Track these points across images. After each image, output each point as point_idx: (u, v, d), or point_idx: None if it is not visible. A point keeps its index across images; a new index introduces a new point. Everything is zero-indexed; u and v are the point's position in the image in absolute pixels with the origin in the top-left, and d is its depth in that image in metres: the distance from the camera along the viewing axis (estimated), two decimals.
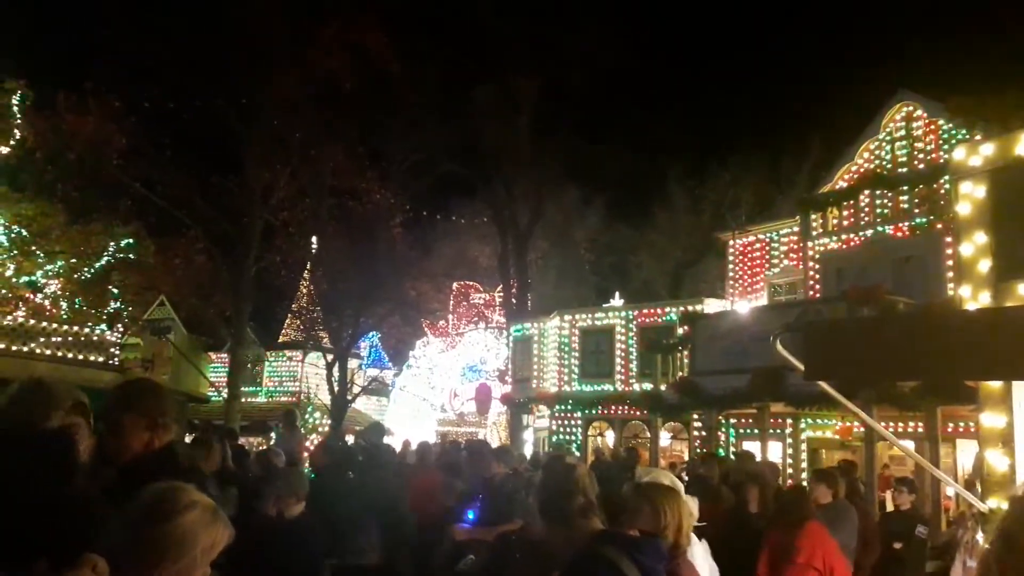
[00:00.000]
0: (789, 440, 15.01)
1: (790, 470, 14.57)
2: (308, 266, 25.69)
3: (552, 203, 28.32)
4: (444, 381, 29.30)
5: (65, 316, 20.15)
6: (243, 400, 23.48)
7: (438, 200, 29.13)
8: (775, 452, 14.24)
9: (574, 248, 31.86)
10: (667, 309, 19.19)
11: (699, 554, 3.82)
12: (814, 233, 17.59)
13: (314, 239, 23.93)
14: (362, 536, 6.10)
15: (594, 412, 19.71)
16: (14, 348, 16.64)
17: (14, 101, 20.42)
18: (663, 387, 15.98)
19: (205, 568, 1.82)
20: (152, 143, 20.20)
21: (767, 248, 20.03)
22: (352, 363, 25.71)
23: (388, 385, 29.90)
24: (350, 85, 20.91)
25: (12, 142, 20.45)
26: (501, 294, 27.92)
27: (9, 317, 17.39)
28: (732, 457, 12.34)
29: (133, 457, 2.75)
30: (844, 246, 16.95)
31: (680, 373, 15.67)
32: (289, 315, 28.09)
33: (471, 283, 30.58)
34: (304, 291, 26.77)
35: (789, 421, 14.84)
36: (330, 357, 23.98)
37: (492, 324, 29.74)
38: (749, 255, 20.39)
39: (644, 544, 2.63)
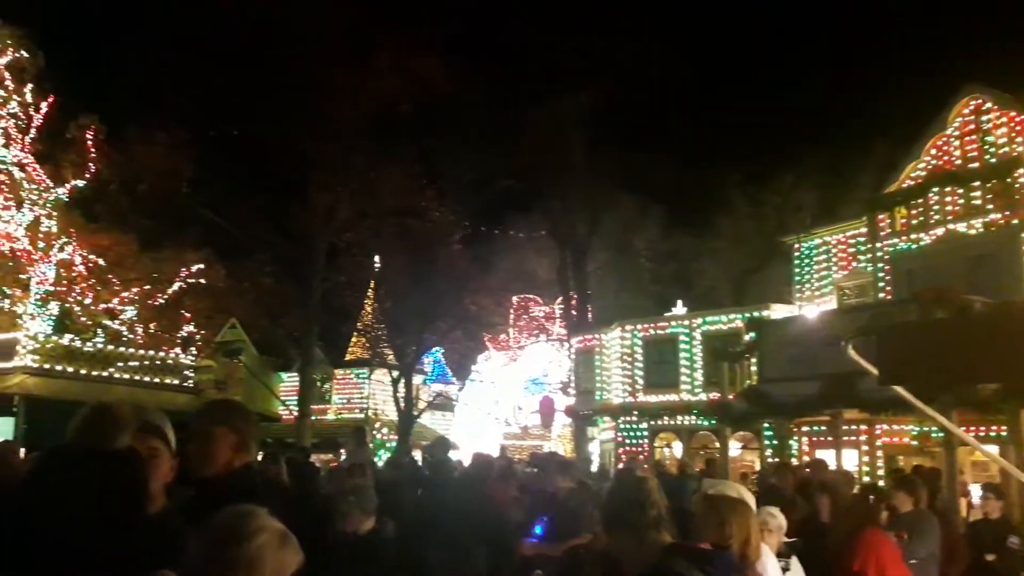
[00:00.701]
0: (864, 447, 14.56)
1: (866, 478, 14.12)
2: (372, 285, 26.10)
3: (609, 213, 28.20)
4: (507, 394, 29.37)
5: (141, 341, 20.91)
6: (313, 418, 23.93)
7: (495, 215, 29.32)
8: (850, 460, 13.83)
9: (633, 257, 31.58)
10: (732, 316, 18.88)
11: (770, 567, 3.73)
12: (882, 234, 17.11)
13: (376, 258, 24.32)
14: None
15: (660, 423, 19.48)
16: (94, 373, 17.34)
17: (88, 136, 21.42)
18: (731, 396, 15.70)
19: None
20: (218, 171, 20.87)
21: (834, 251, 19.55)
22: (417, 379, 25.99)
23: (452, 400, 30.10)
24: (406, 108, 21.26)
25: (87, 175, 21.42)
26: (561, 306, 27.88)
27: (89, 343, 18.14)
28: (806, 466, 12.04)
29: (213, 474, 2.80)
30: (914, 246, 16.44)
31: (748, 381, 15.37)
32: (355, 333, 28.54)
33: (531, 296, 30.64)
34: (368, 309, 27.19)
35: (863, 428, 14.41)
36: (395, 373, 24.29)
37: (553, 336, 29.71)
38: (815, 258, 19.93)
39: (713, 557, 2.59)
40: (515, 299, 30.34)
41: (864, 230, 18.12)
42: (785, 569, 4.08)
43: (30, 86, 21.27)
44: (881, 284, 17.05)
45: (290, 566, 1.91)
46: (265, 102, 20.38)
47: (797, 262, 20.41)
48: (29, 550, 1.73)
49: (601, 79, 23.95)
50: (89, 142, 21.35)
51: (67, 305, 21.75)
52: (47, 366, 16.76)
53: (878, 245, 17.23)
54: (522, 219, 30.37)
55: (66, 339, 17.86)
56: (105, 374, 17.52)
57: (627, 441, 20.00)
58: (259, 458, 9.79)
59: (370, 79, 20.84)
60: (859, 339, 4.60)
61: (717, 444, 17.90)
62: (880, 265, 17.14)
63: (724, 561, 2.59)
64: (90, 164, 21.37)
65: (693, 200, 31.59)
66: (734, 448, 18.29)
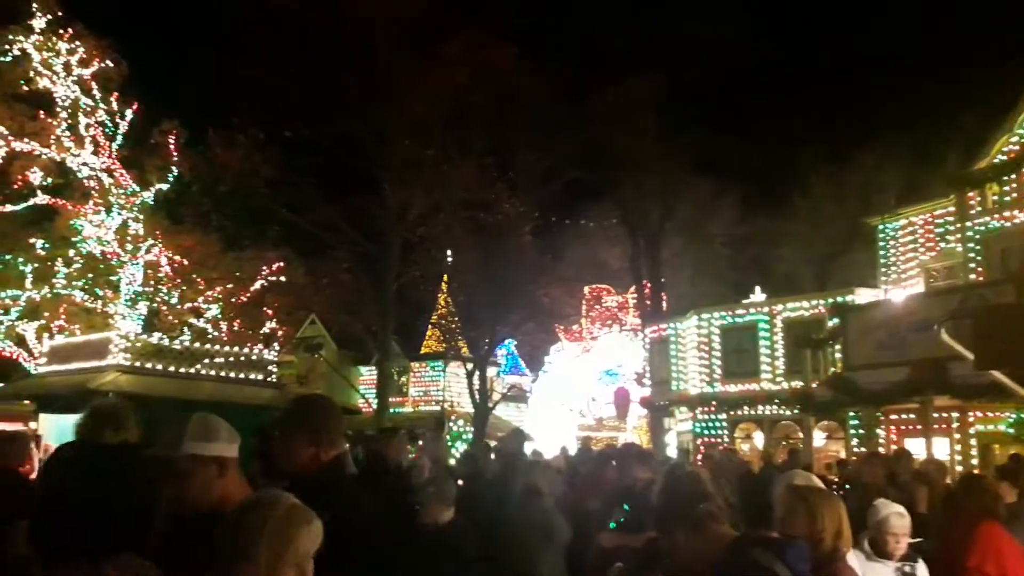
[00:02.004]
0: (956, 436, 13.95)
1: (959, 468, 13.53)
2: (445, 278, 26.34)
3: (683, 199, 27.71)
4: (581, 386, 29.26)
5: (225, 338, 21.65)
6: (391, 410, 24.34)
7: (566, 205, 29.18)
8: (941, 449, 13.28)
9: (709, 243, 30.95)
10: (815, 302, 18.34)
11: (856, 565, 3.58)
12: (972, 212, 16.36)
13: (449, 252, 24.53)
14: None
15: (740, 413, 19.08)
16: (182, 370, 17.98)
17: (170, 140, 22.27)
18: (814, 384, 15.27)
19: (301, 569, 1.98)
20: (295, 171, 21.37)
21: (920, 232, 18.77)
22: (491, 371, 26.13)
23: (526, 391, 30.16)
24: (476, 100, 21.33)
25: (171, 178, 22.27)
26: (634, 295, 27.57)
27: (176, 341, 18.84)
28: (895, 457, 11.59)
29: (301, 468, 2.90)
30: (1007, 224, 15.64)
31: (832, 369, 14.92)
32: (430, 326, 28.90)
33: (603, 286, 30.41)
34: (442, 303, 27.47)
35: (955, 415, 13.81)
36: (470, 366, 24.47)
37: (626, 326, 29.43)
38: (901, 240, 19.17)
39: (790, 546, 2.52)
40: (587, 289, 30.16)
41: (952, 209, 17.38)
42: (910, 574, 3.90)
43: (116, 95, 22.23)
44: (972, 265, 16.30)
45: (306, 546, 2.00)
46: (339, 101, 20.76)
47: (882, 244, 19.68)
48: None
49: (673, 62, 23.53)
50: (171, 146, 22.21)
51: (155, 305, 22.70)
52: (138, 364, 17.43)
53: (968, 224, 16.48)
54: (593, 208, 30.19)
55: (155, 338, 18.56)
56: (192, 371, 18.11)
57: (706, 432, 19.67)
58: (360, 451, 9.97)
59: (441, 72, 20.99)
60: (953, 322, 4.38)
61: (800, 434, 17.45)
62: (971, 245, 16.39)
63: (798, 550, 2.49)
64: (173, 168, 22.23)
65: (770, 183, 30.79)
66: (818, 438, 17.80)
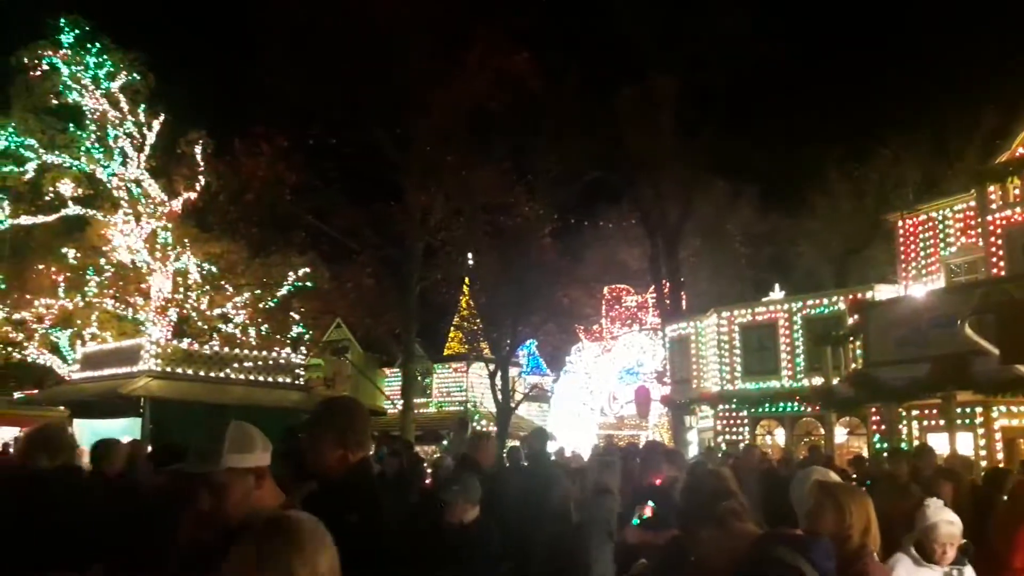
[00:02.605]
0: (980, 431, 13.97)
1: (983, 463, 13.55)
2: (466, 281, 26.62)
3: (701, 198, 27.76)
4: (602, 385, 29.40)
5: (254, 343, 22.00)
6: (416, 411, 24.63)
7: (585, 207, 29.32)
8: (965, 444, 13.31)
9: (728, 242, 30.98)
10: (834, 299, 18.37)
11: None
12: (993, 207, 16.31)
13: (470, 256, 24.77)
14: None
15: (761, 411, 19.16)
16: (212, 374, 18.35)
17: (197, 150, 22.69)
18: (835, 381, 15.33)
19: None
20: (319, 178, 21.67)
21: (941, 227, 18.73)
22: (512, 371, 26.35)
23: (548, 391, 30.35)
24: (496, 105, 21.55)
25: (198, 187, 22.69)
26: (654, 295, 27.67)
27: (206, 347, 19.22)
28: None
29: (329, 469, 2.93)
30: None
31: (853, 365, 14.97)
32: (452, 328, 29.17)
33: (622, 286, 30.52)
34: (464, 305, 27.74)
35: (979, 410, 13.82)
36: (492, 366, 24.70)
37: (646, 326, 29.53)
38: (921, 236, 19.14)
39: (814, 543, 2.50)
40: (607, 290, 30.29)
41: (973, 204, 17.31)
42: None
43: (143, 106, 22.68)
44: (993, 260, 16.27)
45: (319, 561, 1.83)
46: (361, 109, 21.04)
47: (901, 240, 19.66)
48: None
49: (690, 62, 23.60)
50: (198, 156, 22.63)
51: (185, 311, 23.14)
52: (168, 369, 17.80)
53: (989, 219, 16.44)
54: (612, 209, 30.31)
55: (184, 343, 18.94)
56: (222, 375, 18.48)
57: (726, 429, 19.76)
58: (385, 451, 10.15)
59: (462, 79, 21.22)
60: (976, 317, 4.46)
61: (822, 431, 17.49)
62: (992, 240, 16.35)
63: (822, 547, 2.48)
64: (199, 177, 22.65)
65: (788, 180, 30.78)
66: (840, 435, 17.83)
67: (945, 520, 3.79)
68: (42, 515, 1.79)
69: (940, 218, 18.79)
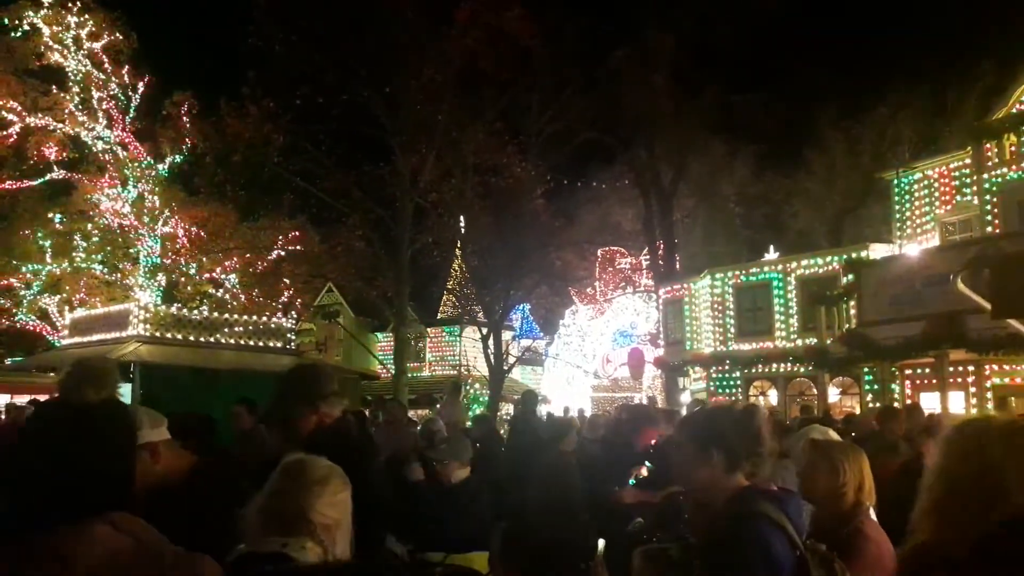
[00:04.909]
0: (972, 389, 13.99)
1: None
2: (458, 244, 26.44)
3: (696, 158, 27.51)
4: (595, 347, 29.40)
5: (244, 307, 21.87)
6: (409, 375, 24.60)
7: (578, 168, 29.03)
8: (957, 403, 13.33)
9: (722, 203, 30.76)
10: (829, 258, 18.29)
11: None
12: (989, 164, 16.16)
13: (462, 218, 24.55)
14: None
15: (754, 371, 19.17)
16: (201, 339, 18.20)
17: (182, 112, 22.31)
18: (829, 341, 15.30)
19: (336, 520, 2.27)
20: (307, 139, 21.35)
21: (936, 185, 18.60)
22: (506, 335, 26.30)
23: (542, 354, 30.36)
24: (487, 64, 21.16)
25: (184, 147, 22.36)
26: (647, 257, 27.54)
27: (195, 311, 19.06)
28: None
29: (309, 433, 3.02)
30: None
31: (847, 325, 14.93)
32: (445, 292, 29.05)
33: (616, 248, 30.37)
34: (456, 268, 27.58)
35: (971, 369, 13.82)
36: (485, 330, 24.64)
37: (640, 288, 29.47)
38: (916, 194, 19.01)
39: (788, 499, 2.46)
40: (600, 251, 30.15)
41: (968, 161, 17.16)
42: None
43: (127, 67, 22.23)
44: (988, 218, 16.17)
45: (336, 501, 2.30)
46: (346, 68, 20.65)
47: (896, 199, 19.53)
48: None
49: (686, 19, 23.19)
50: (183, 118, 22.25)
51: (173, 276, 22.94)
52: (158, 334, 17.64)
53: (985, 176, 16.30)
54: (605, 170, 30.00)
55: (174, 308, 18.77)
56: (212, 340, 18.33)
57: (719, 390, 19.79)
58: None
59: (451, 35, 20.82)
60: (969, 272, 4.39)
61: (815, 391, 17.52)
62: (987, 198, 16.23)
63: (795, 503, 2.46)
64: (185, 139, 22.29)
65: (783, 139, 30.44)
66: (833, 394, 17.87)
67: None
68: (92, 449, 1.77)
69: (936, 176, 18.65)
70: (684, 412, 20.31)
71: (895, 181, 19.58)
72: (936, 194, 18.56)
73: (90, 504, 1.70)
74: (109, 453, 1.79)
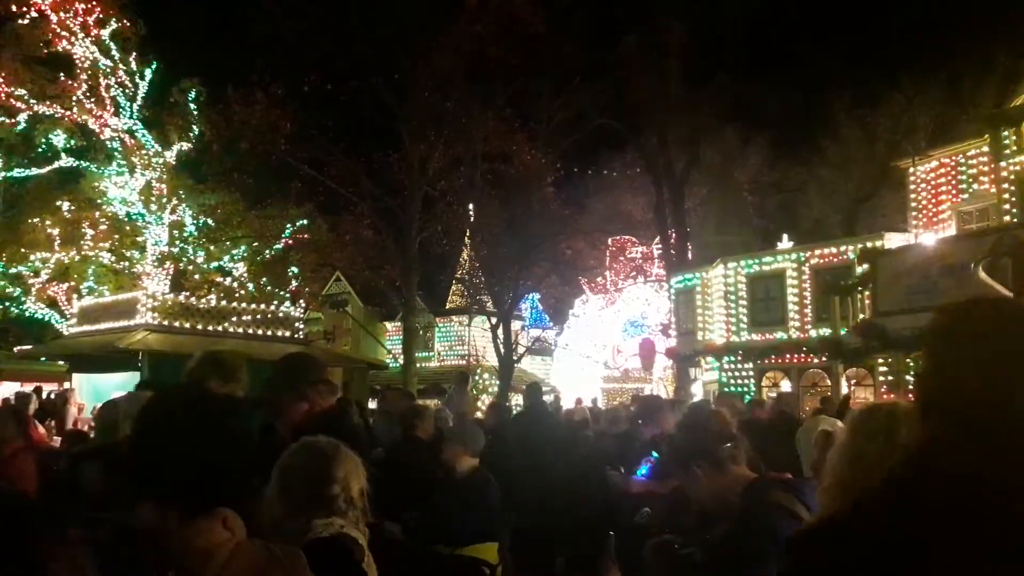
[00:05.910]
0: None
1: None
2: (467, 233, 26.30)
3: (709, 146, 27.20)
4: (606, 338, 29.20)
5: (252, 296, 21.79)
6: (418, 365, 24.50)
7: (588, 156, 28.82)
8: None
9: (735, 191, 30.43)
10: (844, 248, 18.02)
11: None
12: (1007, 152, 15.87)
13: (471, 206, 24.39)
14: None
15: (767, 362, 18.94)
16: (210, 328, 18.16)
17: (190, 99, 22.19)
18: (843, 331, 15.08)
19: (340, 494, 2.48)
20: (316, 127, 21.23)
21: (953, 173, 18.27)
22: (515, 324, 26.16)
23: (551, 344, 30.21)
24: (496, 51, 20.95)
25: (191, 134, 22.26)
26: (659, 246, 27.29)
27: (203, 300, 19.01)
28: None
29: (302, 423, 3.03)
30: None
31: (861, 315, 14.70)
32: (454, 281, 28.92)
33: (627, 237, 30.13)
34: (465, 257, 27.44)
35: None
36: (494, 320, 24.50)
37: (651, 277, 29.24)
38: (932, 183, 18.69)
39: (803, 486, 2.52)
40: (611, 241, 29.92)
41: (985, 149, 16.85)
42: None
43: (134, 55, 22.12)
44: (1006, 207, 15.88)
45: (346, 479, 2.54)
46: (355, 56, 20.49)
47: (912, 187, 19.22)
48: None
49: (699, 5, 22.87)
50: (191, 105, 22.14)
51: (181, 265, 22.90)
52: (166, 323, 17.62)
53: (1002, 164, 16.01)
54: (616, 157, 29.75)
55: (182, 297, 18.73)
56: (220, 328, 18.29)
57: (732, 381, 19.58)
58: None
59: (461, 22, 20.62)
60: (989, 261, 4.21)
61: (828, 382, 17.30)
62: (1005, 186, 15.94)
63: (809, 488, 2.48)
64: (193, 127, 22.19)
65: (797, 128, 30.09)
66: (846, 386, 17.65)
67: None
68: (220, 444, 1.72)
69: (952, 164, 18.33)
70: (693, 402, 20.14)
71: (911, 169, 19.27)
72: (952, 182, 18.25)
73: (214, 499, 1.69)
74: (234, 450, 1.76)
